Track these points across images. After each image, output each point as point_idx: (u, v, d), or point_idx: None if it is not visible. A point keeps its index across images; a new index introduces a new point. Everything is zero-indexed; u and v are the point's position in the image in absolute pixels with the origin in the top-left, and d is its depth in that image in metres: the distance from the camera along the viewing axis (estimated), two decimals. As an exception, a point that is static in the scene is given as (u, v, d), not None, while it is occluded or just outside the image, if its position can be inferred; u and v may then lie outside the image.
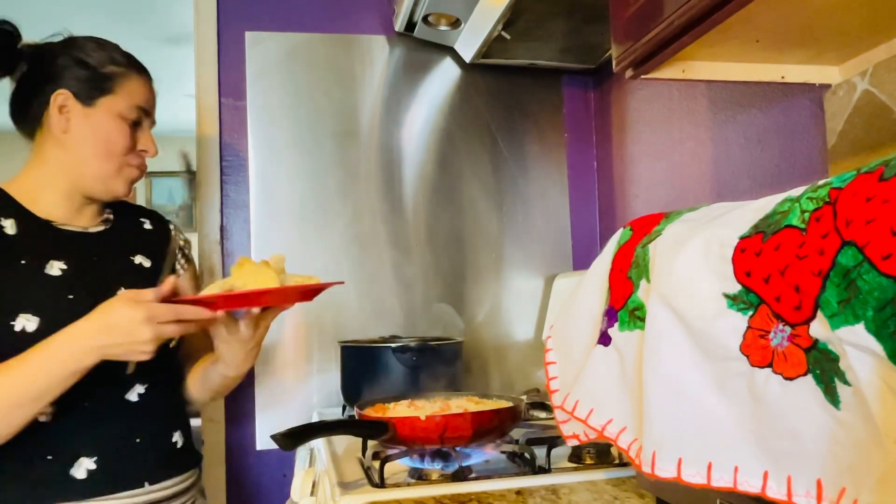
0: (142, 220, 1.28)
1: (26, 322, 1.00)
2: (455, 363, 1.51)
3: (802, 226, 0.50)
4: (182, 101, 1.31)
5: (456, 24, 1.62)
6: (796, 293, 0.49)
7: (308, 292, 1.04)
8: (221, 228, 1.69)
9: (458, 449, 0.96)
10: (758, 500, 0.54)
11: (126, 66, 1.15)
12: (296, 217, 1.72)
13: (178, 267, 1.31)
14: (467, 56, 1.72)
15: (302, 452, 1.39)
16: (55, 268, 1.07)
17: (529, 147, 1.85)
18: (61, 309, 1.02)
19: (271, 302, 1.04)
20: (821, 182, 0.51)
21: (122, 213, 1.25)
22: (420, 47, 1.78)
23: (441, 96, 1.81)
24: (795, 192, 0.54)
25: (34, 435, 0.97)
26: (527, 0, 1.39)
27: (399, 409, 1.09)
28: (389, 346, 1.43)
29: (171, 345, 1.18)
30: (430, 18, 1.62)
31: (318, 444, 1.26)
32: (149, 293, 0.94)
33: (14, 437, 0.95)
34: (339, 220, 1.73)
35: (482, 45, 1.61)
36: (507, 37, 1.55)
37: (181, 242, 1.33)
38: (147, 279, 1.17)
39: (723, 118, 1.27)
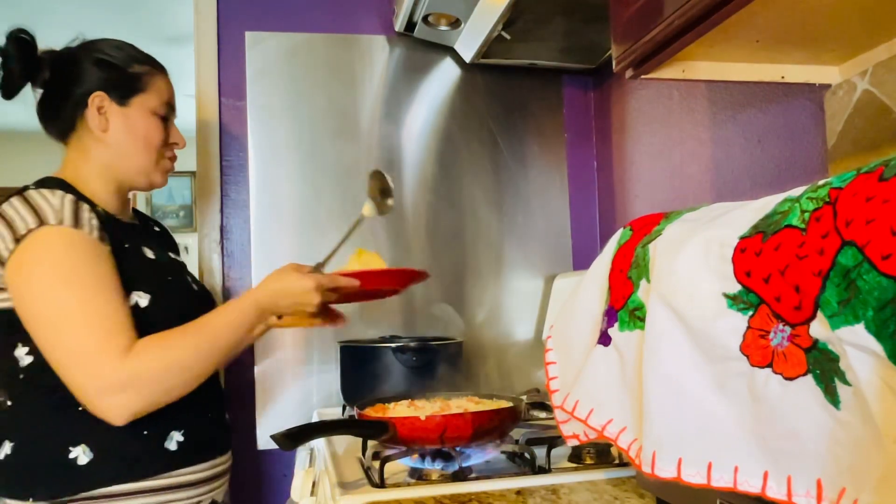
0: (150, 223, 1.38)
1: (139, 298, 1.09)
2: (455, 363, 1.51)
3: (802, 226, 0.50)
4: (182, 101, 1.31)
5: (456, 24, 1.62)
6: (796, 293, 0.49)
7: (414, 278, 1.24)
8: (221, 228, 1.69)
9: (458, 449, 0.96)
10: (758, 500, 0.54)
11: (150, 65, 1.23)
12: (296, 217, 1.72)
13: None
14: (467, 56, 1.72)
15: (302, 452, 1.39)
16: (149, 251, 1.19)
17: (529, 147, 1.85)
18: (165, 288, 1.15)
19: (398, 283, 1.25)
20: (821, 182, 0.51)
21: (137, 213, 1.35)
22: (420, 47, 1.78)
23: (441, 96, 1.81)
24: (795, 192, 0.54)
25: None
26: (527, 0, 1.39)
27: (399, 409, 1.09)
28: (389, 346, 1.43)
29: None
30: (430, 18, 1.62)
31: (318, 444, 1.26)
32: (308, 267, 1.14)
33: None
34: (339, 220, 1.73)
35: (482, 45, 1.61)
36: (507, 37, 1.55)
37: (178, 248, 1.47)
38: (187, 270, 1.31)
39: (723, 118, 1.27)
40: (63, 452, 1.04)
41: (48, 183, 1.11)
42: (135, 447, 1.07)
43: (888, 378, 0.43)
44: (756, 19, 0.79)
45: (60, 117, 1.18)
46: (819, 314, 0.48)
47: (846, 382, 0.46)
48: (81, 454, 1.04)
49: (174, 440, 1.11)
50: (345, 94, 1.76)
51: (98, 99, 1.15)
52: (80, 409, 1.03)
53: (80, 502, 1.03)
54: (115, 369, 0.99)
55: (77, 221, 1.04)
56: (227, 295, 1.68)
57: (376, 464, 0.93)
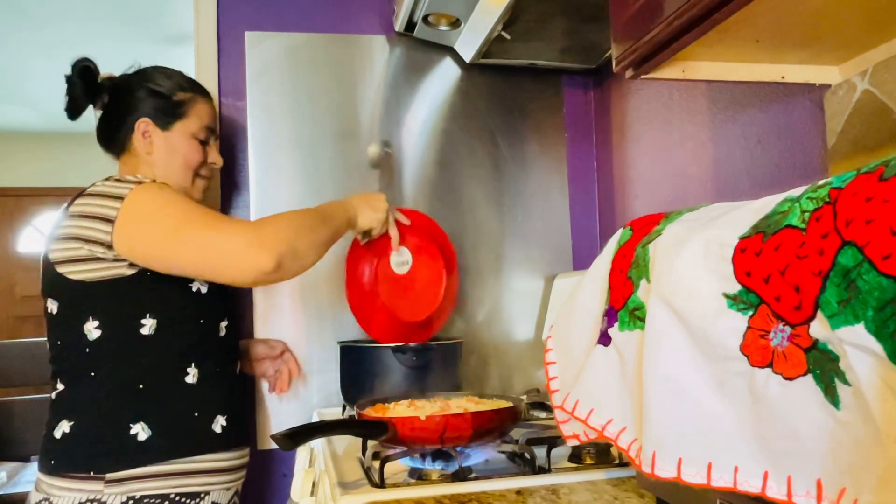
0: None
1: (200, 285, 1.23)
2: (455, 363, 1.51)
3: (802, 226, 0.50)
4: (182, 101, 1.34)
5: (456, 24, 1.62)
6: (796, 293, 0.49)
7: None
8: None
9: (458, 449, 0.96)
10: (758, 500, 0.54)
11: (193, 92, 1.36)
12: (296, 217, 1.72)
13: None
14: (467, 56, 1.72)
15: (302, 452, 1.38)
16: None
17: (529, 147, 1.85)
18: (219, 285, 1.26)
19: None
20: (821, 182, 0.51)
21: None
22: (420, 47, 1.78)
23: (441, 96, 1.81)
24: (795, 192, 0.54)
25: (184, 395, 1.18)
26: (527, 0, 1.39)
27: (399, 409, 1.09)
28: (389, 346, 1.43)
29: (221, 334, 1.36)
30: (430, 18, 1.62)
31: (318, 444, 1.26)
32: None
33: (166, 398, 1.17)
34: (339, 220, 1.73)
35: (482, 45, 1.61)
36: (507, 37, 1.55)
37: None
38: None
39: (723, 118, 1.27)
40: (124, 428, 1.13)
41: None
42: (187, 426, 1.19)
43: (888, 378, 0.43)
44: (756, 19, 0.79)
45: (115, 138, 1.32)
46: (819, 314, 0.48)
47: (846, 382, 0.46)
48: (141, 430, 1.14)
49: (219, 424, 1.22)
50: (345, 94, 1.76)
51: (144, 124, 1.30)
52: (141, 386, 1.15)
53: (135, 481, 1.12)
54: (247, 231, 1.10)
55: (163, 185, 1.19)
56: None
57: (376, 464, 0.93)
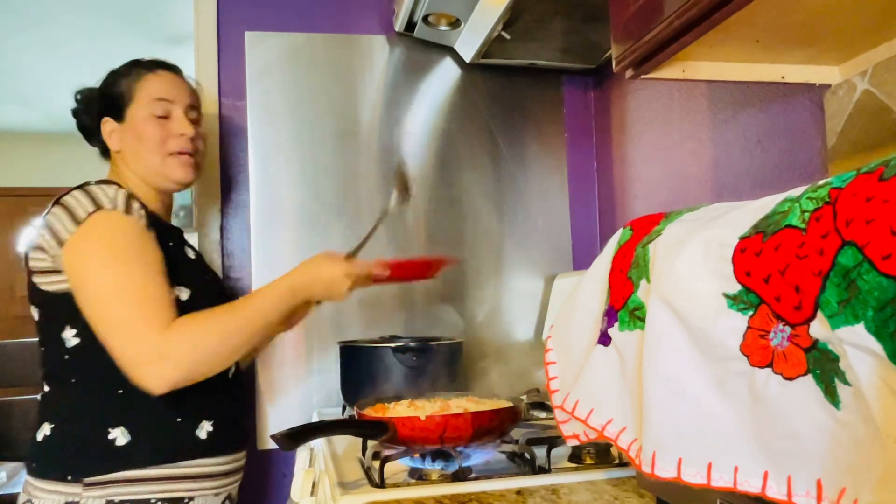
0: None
1: (181, 292, 1.18)
2: (455, 363, 1.51)
3: (802, 226, 0.50)
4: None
5: (456, 24, 1.62)
6: (796, 293, 0.49)
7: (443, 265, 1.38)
8: (221, 228, 1.69)
9: (458, 449, 0.96)
10: (758, 500, 0.54)
11: (138, 71, 1.30)
12: (296, 217, 1.72)
13: None
14: (467, 56, 1.72)
15: (302, 452, 1.39)
16: (190, 252, 1.31)
17: (529, 147, 1.85)
18: (203, 286, 1.25)
19: (428, 272, 1.37)
20: (821, 182, 0.51)
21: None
22: (420, 47, 1.78)
23: (441, 96, 1.81)
24: (795, 192, 0.54)
25: (166, 400, 1.11)
26: (527, 0, 1.39)
27: (399, 409, 1.09)
28: (389, 346, 1.43)
29: None
30: (430, 18, 1.62)
31: (318, 444, 1.26)
32: (341, 255, 1.22)
33: (148, 403, 1.10)
34: (339, 220, 1.73)
35: (482, 45, 1.61)
36: (507, 37, 1.55)
37: None
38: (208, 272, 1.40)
39: (723, 118, 1.27)
40: (102, 433, 1.11)
41: (104, 181, 1.22)
42: (169, 432, 1.15)
43: (888, 378, 0.43)
44: (756, 19, 0.79)
45: (98, 147, 1.33)
46: (819, 314, 0.48)
47: (846, 382, 0.46)
48: (120, 435, 1.11)
49: (204, 429, 1.18)
50: (345, 94, 1.76)
51: (106, 125, 1.28)
52: (121, 392, 1.11)
53: (113, 485, 1.10)
54: (156, 340, 1.05)
55: (128, 209, 1.14)
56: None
57: (376, 464, 0.93)
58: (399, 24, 1.69)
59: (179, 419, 1.16)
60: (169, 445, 1.15)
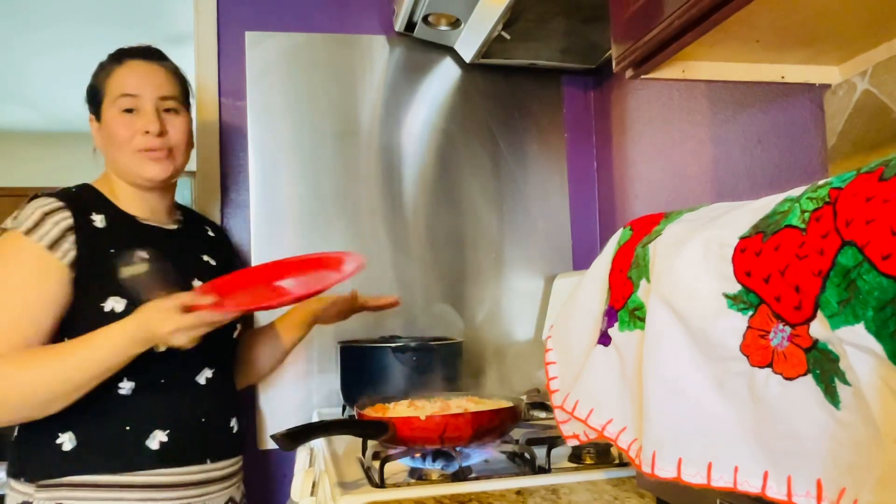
0: (205, 226, 1.43)
1: (115, 304, 1.12)
2: (455, 363, 1.51)
3: (802, 226, 0.50)
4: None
5: (456, 24, 1.62)
6: (796, 293, 0.49)
7: (312, 288, 1.18)
8: (221, 229, 1.69)
9: (458, 449, 0.96)
10: (758, 500, 0.54)
11: (108, 65, 1.25)
12: (296, 217, 1.72)
13: None
14: (467, 56, 1.72)
15: (302, 452, 1.38)
16: (143, 256, 1.21)
17: (529, 147, 1.85)
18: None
19: (267, 302, 1.19)
20: (821, 182, 0.51)
21: (190, 217, 1.40)
22: (420, 47, 1.78)
23: (441, 96, 1.81)
24: (795, 192, 0.54)
25: (115, 407, 1.11)
26: (527, 0, 1.39)
27: (399, 409, 1.09)
28: (389, 346, 1.43)
29: (235, 334, 1.31)
30: (430, 18, 1.62)
31: (318, 444, 1.26)
32: (176, 300, 1.03)
33: (96, 409, 1.10)
34: (339, 220, 1.73)
35: (482, 45, 1.61)
36: (507, 37, 1.55)
37: (236, 255, 1.57)
38: (214, 274, 1.30)
39: (723, 118, 1.27)
40: (52, 437, 1.10)
41: (65, 189, 1.21)
42: (116, 441, 1.12)
43: (888, 378, 0.43)
44: (756, 19, 0.79)
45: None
46: (819, 314, 0.48)
47: (846, 382, 0.46)
48: (67, 441, 1.10)
49: (157, 439, 1.14)
50: (345, 94, 1.76)
51: (92, 124, 1.26)
52: None
53: (64, 488, 1.09)
54: None
55: (33, 229, 1.11)
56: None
57: (376, 464, 0.93)
58: (399, 24, 1.69)
59: (128, 427, 1.12)
60: (116, 454, 1.11)
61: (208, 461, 1.20)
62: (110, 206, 1.23)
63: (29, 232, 1.11)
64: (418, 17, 1.62)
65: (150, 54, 1.26)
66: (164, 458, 1.14)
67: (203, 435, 1.20)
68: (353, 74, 1.77)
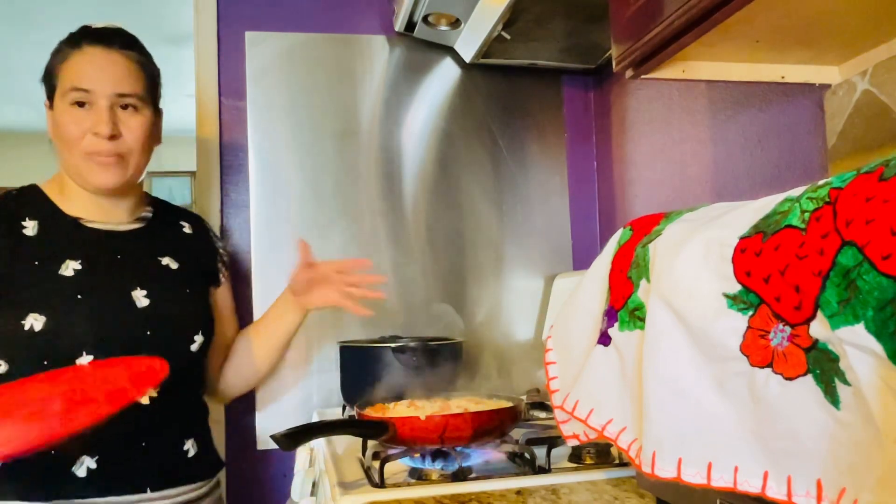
0: (182, 223, 1.29)
1: (34, 321, 1.03)
2: (455, 363, 1.51)
3: (802, 226, 0.50)
4: (182, 101, 1.31)
5: (456, 24, 1.62)
6: (796, 293, 0.49)
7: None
8: (221, 228, 1.69)
9: (458, 449, 0.96)
10: (758, 500, 0.54)
11: (65, 47, 1.12)
12: (296, 217, 1.72)
13: (220, 276, 1.36)
14: (467, 56, 1.72)
15: (302, 452, 1.38)
16: (69, 268, 1.09)
17: (529, 147, 1.85)
18: (68, 309, 1.06)
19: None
20: (821, 182, 0.51)
21: (163, 213, 1.26)
22: (420, 47, 1.78)
23: (441, 96, 1.81)
24: (795, 192, 0.54)
25: None
26: (527, 0, 1.39)
27: (399, 409, 1.09)
28: (389, 346, 1.43)
29: (193, 347, 1.18)
30: (430, 18, 1.62)
31: (318, 444, 1.26)
32: None
33: None
34: (339, 220, 1.73)
35: (482, 45, 1.61)
36: (507, 37, 1.55)
37: (220, 251, 1.38)
38: (172, 280, 1.19)
39: (723, 118, 1.27)
40: None
41: (6, 190, 1.13)
42: (40, 468, 1.01)
43: (888, 378, 0.43)
44: (756, 19, 0.79)
45: None
46: (819, 314, 0.48)
47: (846, 382, 0.46)
48: None
49: (84, 465, 1.04)
50: (345, 94, 1.76)
51: (46, 108, 1.13)
52: None
53: None
54: None
55: None
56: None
57: (376, 464, 0.93)
58: (399, 24, 1.69)
59: (53, 452, 1.00)
60: (40, 481, 1.02)
61: (149, 490, 1.08)
62: (50, 210, 1.13)
63: None
64: (418, 17, 1.62)
65: (112, 40, 1.12)
66: (94, 486, 1.03)
67: (141, 461, 1.08)
68: (353, 74, 1.77)
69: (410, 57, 1.80)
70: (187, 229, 1.30)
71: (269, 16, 1.75)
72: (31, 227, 1.10)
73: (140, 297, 1.14)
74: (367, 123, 1.77)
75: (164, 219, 1.26)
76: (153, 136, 1.17)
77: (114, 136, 1.09)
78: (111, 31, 1.15)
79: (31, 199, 1.14)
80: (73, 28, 1.18)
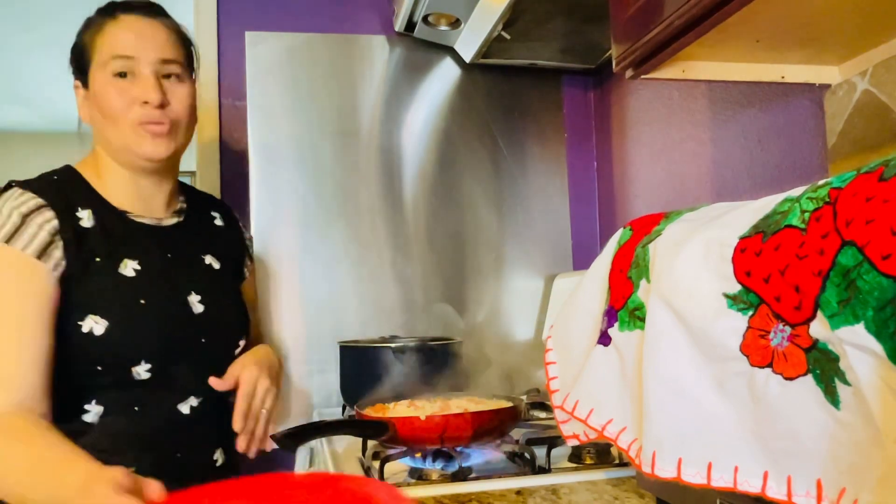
0: (213, 213, 1.23)
1: (94, 324, 0.96)
2: (455, 363, 1.51)
3: (802, 226, 0.50)
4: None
5: (456, 24, 1.62)
6: (796, 293, 0.49)
7: None
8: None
9: (458, 449, 0.96)
10: (758, 500, 0.54)
11: (98, 19, 1.05)
12: (296, 217, 1.72)
13: (245, 270, 1.28)
14: (467, 56, 1.72)
15: (302, 452, 1.39)
16: (129, 267, 1.02)
17: (529, 147, 1.85)
18: (130, 314, 0.99)
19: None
20: (821, 182, 0.51)
21: (195, 203, 1.20)
22: (420, 47, 1.78)
23: (441, 96, 1.81)
24: (795, 192, 0.54)
25: (76, 435, 0.91)
26: (527, 0, 1.39)
27: (399, 409, 1.09)
28: (389, 346, 1.43)
29: (237, 352, 1.13)
30: (430, 18, 1.62)
31: (318, 444, 1.26)
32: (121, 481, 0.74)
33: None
34: (339, 220, 1.73)
35: (482, 45, 1.61)
36: (507, 37, 1.55)
37: (247, 241, 1.31)
38: (216, 282, 1.13)
39: (723, 118, 1.27)
40: None
41: (44, 177, 1.02)
42: None
43: (888, 378, 0.43)
44: (756, 19, 0.79)
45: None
46: (819, 314, 0.48)
47: (846, 382, 0.46)
48: None
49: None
50: (345, 94, 1.76)
51: (77, 92, 1.07)
52: None
53: None
54: None
55: (13, 235, 0.93)
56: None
57: (376, 464, 0.93)
58: (399, 24, 1.69)
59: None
60: None
61: None
62: (97, 200, 1.04)
63: (10, 239, 0.93)
64: (418, 17, 1.62)
65: (149, 8, 1.07)
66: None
67: (177, 471, 0.96)
68: (353, 74, 1.77)
69: (410, 57, 1.80)
70: (219, 221, 1.23)
71: (269, 16, 1.75)
72: (86, 218, 1.01)
73: (195, 303, 1.08)
74: (367, 123, 1.77)
75: (197, 209, 1.19)
76: (195, 110, 1.11)
77: (163, 105, 1.03)
78: (143, 1, 1.09)
79: (77, 186, 1.04)
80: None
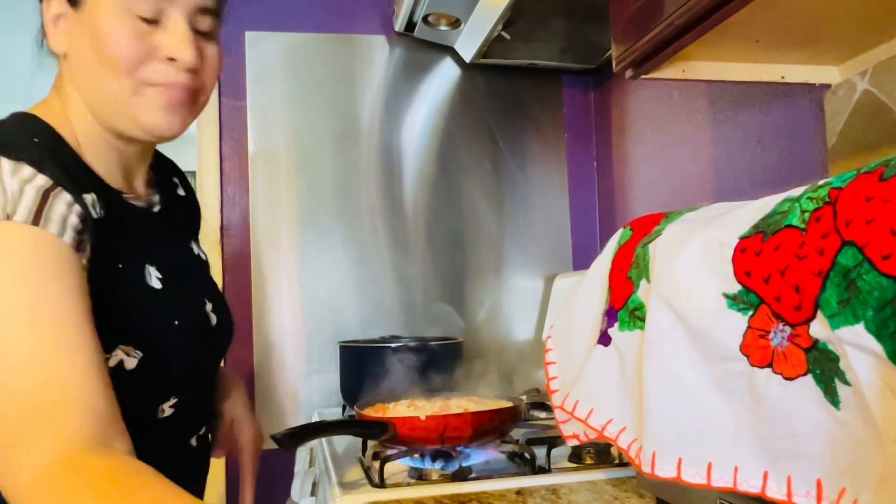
0: (174, 179, 0.95)
1: (125, 357, 0.70)
2: (455, 363, 1.51)
3: (802, 226, 0.50)
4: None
5: (456, 24, 1.62)
6: (796, 293, 0.49)
7: None
8: (221, 228, 1.69)
9: (458, 449, 0.96)
10: (758, 500, 0.54)
11: None
12: (296, 217, 1.72)
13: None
14: (467, 56, 1.72)
15: (302, 452, 1.38)
16: (153, 276, 0.77)
17: (529, 147, 1.85)
18: (164, 342, 0.76)
19: None
20: (821, 182, 0.51)
21: (159, 171, 0.90)
22: (420, 47, 1.78)
23: (441, 96, 1.81)
24: (795, 192, 0.54)
25: None
26: (527, 0, 1.39)
27: (399, 409, 1.09)
28: (389, 346, 1.43)
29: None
30: (430, 18, 1.62)
31: (318, 444, 1.26)
32: None
33: None
34: (339, 220, 1.73)
35: (482, 45, 1.61)
36: (507, 37, 1.55)
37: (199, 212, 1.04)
38: (212, 279, 0.94)
39: (723, 118, 1.27)
40: None
41: (23, 138, 0.69)
42: None
43: (888, 378, 0.43)
44: (756, 19, 0.79)
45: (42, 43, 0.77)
46: (819, 314, 0.47)
47: (846, 382, 0.46)
48: None
49: None
50: (345, 94, 1.76)
51: (54, 4, 0.73)
52: None
53: None
54: (18, 476, 0.56)
55: (40, 213, 0.63)
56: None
57: (376, 464, 0.93)
58: (399, 24, 1.69)
59: None
60: None
61: None
62: (93, 176, 0.74)
63: (36, 220, 0.62)
64: (418, 17, 1.62)
65: None
66: None
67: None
68: (353, 74, 1.77)
69: (410, 57, 1.80)
70: (181, 190, 0.95)
71: (269, 16, 1.75)
72: (90, 202, 0.69)
73: (211, 314, 0.87)
74: (367, 123, 1.77)
75: (161, 180, 0.90)
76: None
77: (194, 69, 0.75)
78: None
79: (69, 157, 0.72)
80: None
